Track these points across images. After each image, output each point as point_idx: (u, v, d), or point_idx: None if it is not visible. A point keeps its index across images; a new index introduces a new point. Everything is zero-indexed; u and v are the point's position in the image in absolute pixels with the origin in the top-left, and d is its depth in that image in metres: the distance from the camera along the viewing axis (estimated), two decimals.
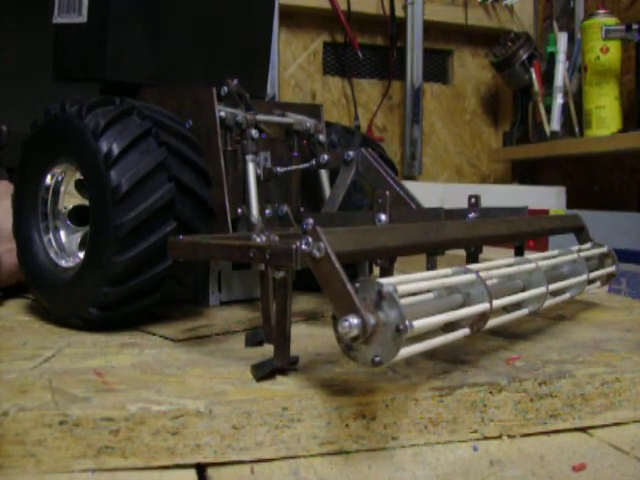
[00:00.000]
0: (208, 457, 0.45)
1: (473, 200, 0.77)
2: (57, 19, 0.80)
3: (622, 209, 1.58)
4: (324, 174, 0.86)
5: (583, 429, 0.53)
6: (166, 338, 0.65)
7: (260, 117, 0.79)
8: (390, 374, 0.52)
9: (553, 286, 0.63)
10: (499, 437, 0.50)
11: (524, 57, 1.75)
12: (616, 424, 0.53)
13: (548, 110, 1.67)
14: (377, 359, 0.42)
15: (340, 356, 0.56)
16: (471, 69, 1.95)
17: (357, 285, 0.43)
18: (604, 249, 0.78)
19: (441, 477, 0.44)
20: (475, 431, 0.50)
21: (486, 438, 0.50)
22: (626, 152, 1.55)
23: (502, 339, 0.64)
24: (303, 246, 0.45)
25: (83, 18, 0.78)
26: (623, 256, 0.81)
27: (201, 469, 0.45)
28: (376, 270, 0.70)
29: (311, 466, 0.45)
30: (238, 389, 0.49)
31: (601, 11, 1.54)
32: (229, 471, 0.44)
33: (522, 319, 0.73)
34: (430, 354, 0.57)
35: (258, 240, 0.59)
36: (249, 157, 0.76)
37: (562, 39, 1.65)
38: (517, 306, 0.59)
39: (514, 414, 0.51)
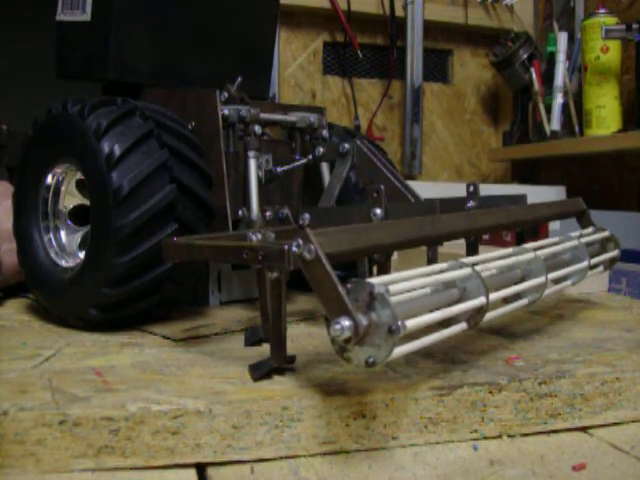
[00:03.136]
0: (208, 457, 0.45)
1: (471, 189, 0.76)
2: (60, 16, 0.80)
3: (622, 209, 1.58)
4: (325, 169, 0.86)
5: (583, 429, 0.53)
6: (166, 338, 0.65)
7: (264, 115, 0.79)
8: (390, 373, 0.52)
9: (553, 274, 0.63)
10: (499, 437, 0.50)
11: (524, 57, 1.75)
12: (616, 424, 0.53)
13: (548, 110, 1.67)
14: (371, 360, 0.42)
15: None
16: (471, 69, 1.95)
17: (349, 286, 0.43)
18: (606, 233, 0.77)
19: (441, 477, 0.44)
20: (475, 431, 0.50)
21: (486, 438, 0.50)
22: (626, 152, 1.54)
23: (502, 338, 0.64)
24: (294, 248, 0.45)
25: (87, 16, 0.78)
26: (623, 256, 0.81)
27: (201, 469, 0.45)
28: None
29: (311, 466, 0.45)
30: (238, 389, 0.49)
31: (601, 11, 1.54)
32: (229, 471, 0.44)
33: (522, 318, 0.73)
34: (429, 353, 0.57)
35: (254, 238, 0.59)
36: (251, 154, 0.76)
37: (562, 39, 1.65)
38: (516, 297, 0.59)
39: (514, 414, 0.51)
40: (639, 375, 0.54)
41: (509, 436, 0.51)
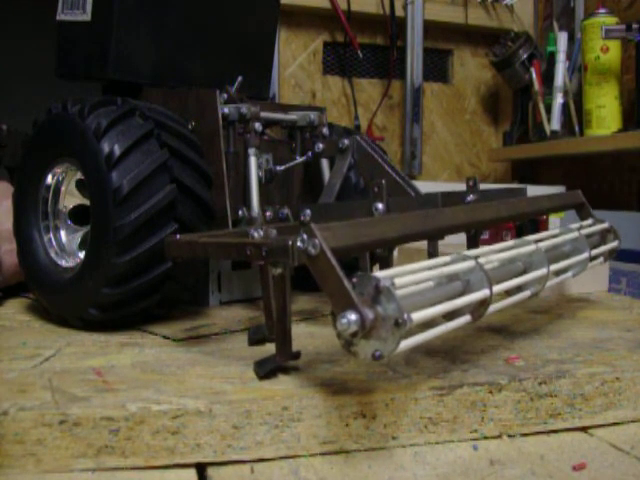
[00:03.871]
0: (208, 457, 0.45)
1: (471, 182, 0.76)
2: (61, 16, 0.80)
3: (622, 209, 1.58)
4: (326, 167, 0.85)
5: (583, 429, 0.53)
6: (166, 338, 0.65)
7: (264, 114, 0.78)
8: (390, 373, 0.52)
9: (554, 266, 0.63)
10: (499, 437, 0.50)
11: (524, 57, 1.75)
12: (616, 424, 0.53)
13: (548, 110, 1.67)
14: (377, 354, 0.42)
15: (340, 355, 0.56)
16: (471, 69, 1.95)
17: (354, 280, 0.43)
18: (605, 225, 0.78)
19: (441, 476, 0.44)
20: (475, 431, 0.50)
21: (486, 438, 0.50)
22: (626, 152, 1.54)
23: (502, 338, 0.64)
24: (298, 243, 0.45)
25: (87, 16, 0.78)
26: (623, 256, 0.81)
27: (201, 469, 0.45)
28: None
29: (311, 466, 0.45)
30: (238, 388, 0.49)
31: (601, 11, 1.54)
32: (229, 471, 0.45)
33: (522, 318, 0.73)
34: (430, 353, 0.57)
35: (256, 235, 0.59)
36: (251, 151, 0.76)
37: (562, 39, 1.65)
38: (519, 289, 0.59)
39: (514, 414, 0.51)
40: (639, 375, 0.54)
41: (509, 436, 0.51)
